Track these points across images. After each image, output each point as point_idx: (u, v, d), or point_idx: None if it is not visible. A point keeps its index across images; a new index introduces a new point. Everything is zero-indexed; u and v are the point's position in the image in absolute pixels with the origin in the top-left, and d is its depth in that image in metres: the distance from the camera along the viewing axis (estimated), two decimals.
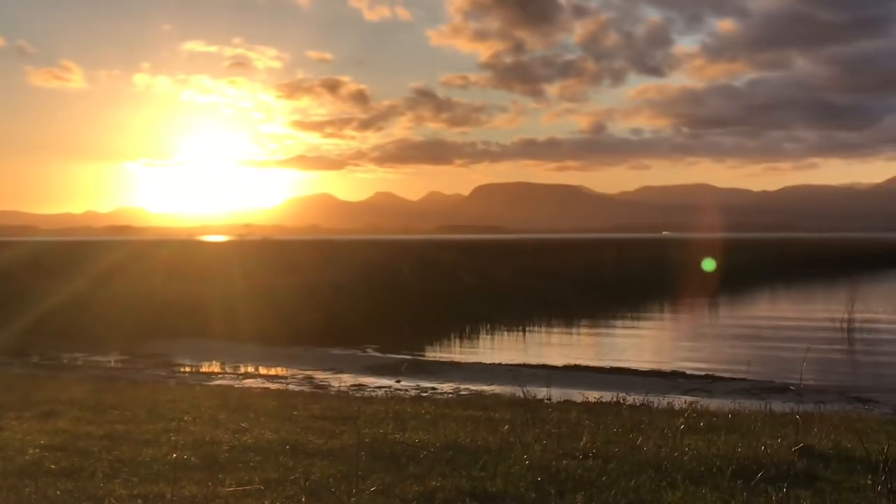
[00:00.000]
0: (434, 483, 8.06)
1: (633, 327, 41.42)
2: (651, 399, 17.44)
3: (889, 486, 7.83)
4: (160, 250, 64.47)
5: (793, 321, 42.82)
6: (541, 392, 18.09)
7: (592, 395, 19.12)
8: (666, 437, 10.75)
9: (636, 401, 17.04)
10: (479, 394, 20.60)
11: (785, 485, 8.13)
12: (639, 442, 10.30)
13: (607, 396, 18.47)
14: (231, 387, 21.16)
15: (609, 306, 47.93)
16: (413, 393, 20.93)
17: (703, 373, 25.84)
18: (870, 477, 8.35)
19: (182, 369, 26.51)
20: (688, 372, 26.02)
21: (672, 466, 8.85)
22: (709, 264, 45.66)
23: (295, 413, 13.27)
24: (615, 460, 9.14)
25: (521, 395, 15.07)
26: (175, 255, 58.81)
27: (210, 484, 8.03)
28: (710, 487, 8.05)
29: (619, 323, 43.05)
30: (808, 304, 54.04)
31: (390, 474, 8.45)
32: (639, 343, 35.79)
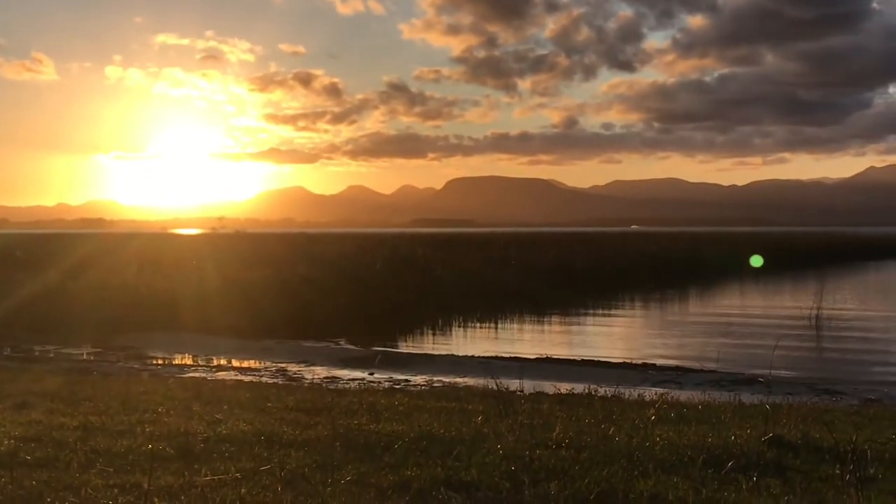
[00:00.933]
0: (409, 472, 8.15)
1: (603, 320, 41.61)
2: (622, 391, 17.57)
3: (857, 475, 7.98)
4: (132, 243, 64.18)
5: (762, 314, 43.15)
6: (513, 384, 18.23)
7: (564, 387, 19.20)
8: (637, 428, 10.87)
9: (607, 392, 17.13)
10: (452, 385, 20.69)
11: (755, 474, 8.27)
12: (611, 432, 10.41)
13: (579, 388, 18.56)
14: (204, 379, 21.13)
15: (580, 299, 48.16)
16: (386, 385, 20.99)
17: (673, 365, 26.01)
18: (838, 466, 8.50)
19: (155, 362, 26.43)
20: (658, 364, 26.18)
21: (644, 456, 8.97)
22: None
23: (269, 405, 13.32)
24: (587, 450, 9.25)
25: (494, 386, 15.15)
26: (147, 247, 58.52)
27: (186, 473, 8.08)
28: (681, 476, 8.18)
29: (589, 315, 43.25)
30: (776, 298, 54.44)
31: (365, 464, 8.53)
32: (609, 335, 35.98)
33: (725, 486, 7.87)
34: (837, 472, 8.37)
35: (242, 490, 7.45)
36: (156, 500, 7.13)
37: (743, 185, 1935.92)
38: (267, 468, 8.25)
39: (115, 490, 7.52)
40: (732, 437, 9.91)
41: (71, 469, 8.31)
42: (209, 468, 8.31)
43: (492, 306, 43.52)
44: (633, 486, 7.83)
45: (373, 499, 7.38)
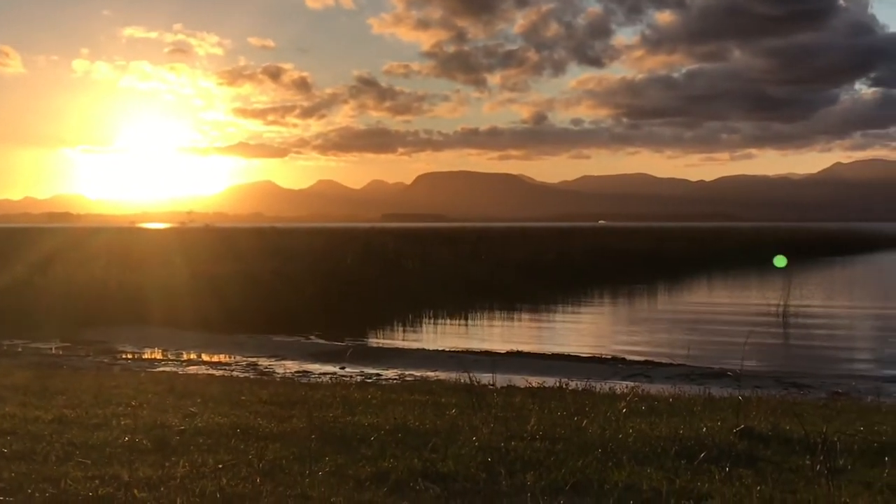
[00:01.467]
0: (386, 464, 8.22)
1: (573, 314, 41.81)
2: (593, 384, 17.70)
3: (828, 465, 8.14)
4: (100, 237, 63.76)
5: (729, 309, 43.50)
6: (484, 377, 18.29)
7: (535, 381, 19.28)
8: (609, 420, 10.99)
9: (578, 386, 17.26)
10: (424, 379, 20.71)
11: (727, 464, 8.40)
12: (583, 424, 10.52)
13: (550, 382, 18.64)
14: (175, 373, 21.06)
15: (549, 294, 48.31)
16: (358, 379, 20.98)
17: (642, 359, 26.19)
18: (808, 457, 8.65)
19: (124, 356, 26.29)
20: (627, 358, 26.35)
21: (617, 447, 9.08)
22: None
23: (243, 398, 13.33)
24: (562, 442, 9.36)
25: (467, 380, 15.22)
26: (115, 242, 58.17)
27: (167, 465, 8.13)
28: (654, 467, 8.30)
29: (559, 310, 43.42)
30: (743, 292, 54.86)
31: (342, 456, 8.59)
32: (579, 330, 36.17)
33: (698, 477, 7.99)
34: (808, 462, 8.51)
35: (223, 481, 7.50)
36: (136, 491, 7.16)
37: (711, 181, 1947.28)
38: (245, 460, 8.31)
39: (97, 482, 7.54)
40: (704, 429, 10.04)
41: (49, 461, 8.32)
42: (187, 460, 8.34)
43: (462, 301, 43.58)
44: (608, 476, 7.95)
45: (351, 490, 7.44)
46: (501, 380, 19.16)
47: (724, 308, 43.92)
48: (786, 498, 7.22)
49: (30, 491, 7.26)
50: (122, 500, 6.85)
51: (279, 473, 7.94)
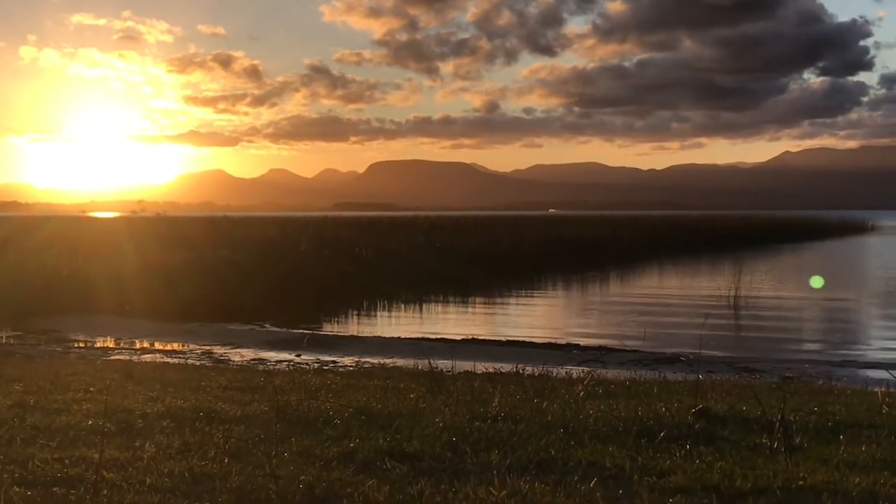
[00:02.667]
0: (352, 445, 8.31)
1: (526, 302, 42.04)
2: (549, 369, 17.85)
3: (786, 443, 8.33)
4: (50, 226, 63.05)
5: (681, 296, 43.89)
6: (442, 364, 18.40)
7: (492, 367, 19.43)
8: (569, 403, 11.14)
9: (535, 371, 17.40)
10: (381, 366, 20.78)
11: (687, 443, 8.57)
12: (544, 406, 10.66)
13: (506, 367, 18.79)
14: (131, 361, 20.92)
15: (503, 282, 48.56)
16: (315, 366, 20.99)
17: (596, 345, 26.43)
18: (765, 436, 8.85)
19: (77, 345, 26.10)
20: (581, 344, 26.57)
21: (578, 427, 9.24)
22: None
23: (203, 384, 13.35)
24: (524, 423, 9.50)
25: (425, 365, 15.33)
26: (66, 230, 57.52)
27: (137, 444, 8.15)
28: (616, 446, 8.45)
29: (513, 298, 43.65)
30: (694, 280, 55.38)
31: (308, 438, 8.66)
32: (533, 317, 36.38)
33: (660, 454, 8.15)
34: (765, 441, 8.70)
35: (192, 461, 7.53)
36: (104, 472, 7.17)
37: (661, 170, 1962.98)
38: (213, 442, 8.35)
39: (65, 462, 7.56)
40: (663, 410, 10.22)
41: (14, 444, 8.31)
42: (153, 442, 8.37)
43: (416, 289, 43.73)
44: (572, 454, 8.09)
45: (320, 469, 7.50)
46: (459, 366, 19.28)
47: (675, 295, 44.31)
48: (746, 473, 7.38)
49: None
50: (91, 480, 6.86)
51: (246, 454, 7.99)
